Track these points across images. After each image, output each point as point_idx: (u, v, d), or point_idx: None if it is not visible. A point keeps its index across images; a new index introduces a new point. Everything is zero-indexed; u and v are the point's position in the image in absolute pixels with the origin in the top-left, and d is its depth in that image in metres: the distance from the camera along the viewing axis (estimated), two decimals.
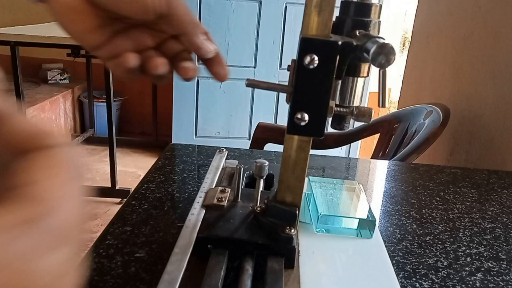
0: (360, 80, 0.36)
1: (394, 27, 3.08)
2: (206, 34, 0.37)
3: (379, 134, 1.48)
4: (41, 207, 0.12)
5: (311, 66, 0.32)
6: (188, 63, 0.38)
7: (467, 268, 0.48)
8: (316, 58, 0.31)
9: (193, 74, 0.38)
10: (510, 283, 0.46)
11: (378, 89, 0.32)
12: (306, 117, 0.34)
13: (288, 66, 0.38)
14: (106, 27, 0.36)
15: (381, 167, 0.81)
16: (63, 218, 0.12)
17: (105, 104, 2.17)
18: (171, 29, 0.37)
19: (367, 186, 0.71)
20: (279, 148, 0.55)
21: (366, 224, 0.49)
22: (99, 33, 0.36)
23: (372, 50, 0.29)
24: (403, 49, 3.11)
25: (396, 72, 2.60)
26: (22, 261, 0.11)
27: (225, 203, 0.46)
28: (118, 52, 0.36)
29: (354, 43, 0.32)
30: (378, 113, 2.18)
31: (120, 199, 2.24)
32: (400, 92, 2.11)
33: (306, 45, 0.32)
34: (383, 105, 0.32)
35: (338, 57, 0.32)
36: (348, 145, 2.56)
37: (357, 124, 1.34)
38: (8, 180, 0.12)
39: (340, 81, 0.36)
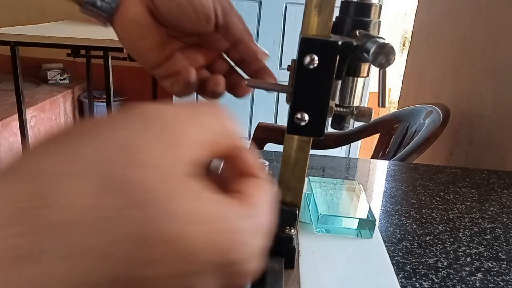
0: (360, 80, 0.36)
1: (394, 27, 3.08)
2: None
3: (379, 134, 1.48)
4: (256, 211, 0.19)
5: (311, 66, 0.32)
6: (244, 82, 0.41)
7: (467, 268, 0.48)
8: (316, 58, 0.31)
9: (249, 92, 0.42)
10: (510, 283, 0.46)
11: (378, 89, 0.32)
12: (306, 117, 0.34)
13: (288, 66, 0.38)
14: (166, 46, 0.39)
15: (381, 167, 0.81)
16: (265, 223, 0.20)
17: (105, 104, 2.18)
18: (229, 38, 0.38)
19: (367, 186, 0.71)
20: (279, 148, 0.55)
21: (366, 224, 0.49)
22: (160, 51, 0.38)
23: (372, 50, 0.29)
24: (403, 49, 3.11)
25: (396, 72, 2.60)
26: (239, 233, 0.18)
27: None
28: (176, 70, 0.39)
29: (354, 43, 0.32)
30: (378, 113, 2.18)
31: None
32: (400, 92, 2.11)
33: (306, 45, 0.32)
34: (383, 105, 0.32)
35: (338, 57, 0.32)
36: (348, 145, 2.56)
37: (357, 124, 1.34)
38: (233, 186, 0.21)
39: (340, 81, 0.36)
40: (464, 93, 1.45)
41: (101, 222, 0.15)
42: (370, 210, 0.50)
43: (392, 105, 3.05)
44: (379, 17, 0.34)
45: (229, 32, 0.38)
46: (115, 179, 0.15)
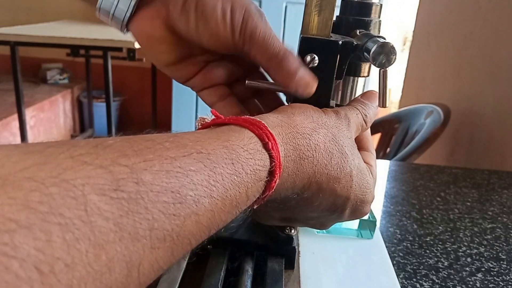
0: (360, 80, 0.36)
1: (395, 26, 3.08)
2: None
3: (379, 134, 1.48)
4: (374, 178, 0.34)
5: (311, 66, 0.31)
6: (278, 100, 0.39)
7: (467, 269, 0.48)
8: (316, 57, 0.31)
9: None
10: (510, 283, 0.46)
11: (379, 89, 0.32)
12: None
13: None
14: (196, 58, 0.35)
15: (382, 167, 0.81)
16: (375, 185, 0.34)
17: (104, 104, 2.17)
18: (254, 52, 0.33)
19: None
20: None
21: (367, 225, 0.49)
22: (189, 65, 0.36)
23: (372, 50, 0.29)
24: (403, 49, 3.11)
25: (397, 71, 2.60)
26: (370, 188, 0.32)
27: None
28: (210, 82, 0.37)
29: (355, 43, 0.31)
30: (378, 113, 2.17)
31: None
32: (402, 92, 2.11)
33: (306, 44, 0.31)
34: (384, 105, 0.32)
35: (338, 56, 0.32)
36: None
37: None
38: (364, 157, 0.34)
39: (340, 81, 0.35)
40: (464, 93, 1.45)
41: (330, 153, 0.29)
42: (370, 211, 0.50)
43: (392, 105, 3.05)
44: (379, 16, 0.34)
45: (249, 43, 0.31)
46: (336, 139, 0.30)
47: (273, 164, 0.25)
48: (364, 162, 0.33)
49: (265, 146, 0.26)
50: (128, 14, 0.32)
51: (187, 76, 0.37)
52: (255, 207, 0.27)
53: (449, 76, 1.58)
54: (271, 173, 0.25)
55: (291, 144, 0.27)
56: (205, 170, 0.22)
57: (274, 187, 0.26)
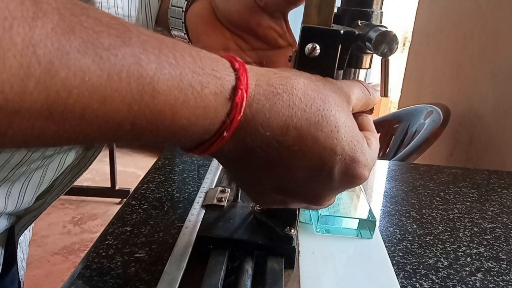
0: (362, 72, 0.35)
1: (395, 26, 3.08)
2: None
3: (379, 134, 1.48)
4: (374, 149, 0.32)
5: (313, 55, 0.31)
6: None
7: (467, 268, 0.48)
8: (317, 47, 0.31)
9: None
10: (510, 283, 0.46)
11: (381, 78, 0.32)
12: None
13: (289, 56, 0.37)
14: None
15: (382, 167, 0.81)
16: (375, 157, 0.31)
17: None
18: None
19: (367, 186, 0.71)
20: None
21: (367, 225, 0.49)
22: (219, 36, 0.41)
23: (374, 38, 0.29)
24: (403, 49, 3.11)
25: (396, 71, 2.60)
26: (365, 150, 0.30)
27: (225, 203, 0.46)
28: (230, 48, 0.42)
29: (356, 32, 0.31)
30: (378, 113, 2.18)
31: (120, 199, 2.24)
32: (401, 92, 2.11)
33: (307, 34, 0.31)
34: (386, 95, 0.32)
35: (340, 46, 0.31)
36: None
37: None
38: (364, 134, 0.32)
39: (341, 73, 0.35)
40: (464, 93, 1.45)
41: (310, 100, 0.27)
42: (370, 211, 0.50)
43: (392, 105, 3.05)
44: (381, 7, 0.34)
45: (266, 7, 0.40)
46: (320, 90, 0.28)
47: (238, 81, 0.24)
48: (363, 135, 0.31)
49: (232, 66, 0.25)
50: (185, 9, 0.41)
51: (213, 47, 0.42)
52: (225, 134, 0.25)
53: (449, 76, 1.58)
54: (235, 90, 0.24)
55: (264, 79, 0.26)
56: (161, 45, 0.22)
57: (242, 110, 0.24)
